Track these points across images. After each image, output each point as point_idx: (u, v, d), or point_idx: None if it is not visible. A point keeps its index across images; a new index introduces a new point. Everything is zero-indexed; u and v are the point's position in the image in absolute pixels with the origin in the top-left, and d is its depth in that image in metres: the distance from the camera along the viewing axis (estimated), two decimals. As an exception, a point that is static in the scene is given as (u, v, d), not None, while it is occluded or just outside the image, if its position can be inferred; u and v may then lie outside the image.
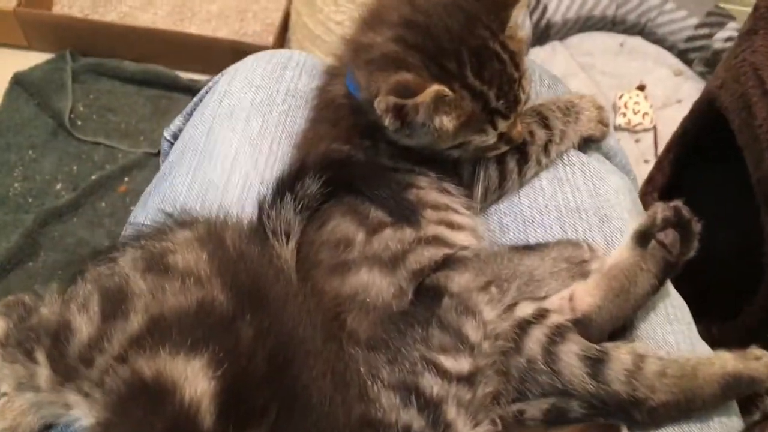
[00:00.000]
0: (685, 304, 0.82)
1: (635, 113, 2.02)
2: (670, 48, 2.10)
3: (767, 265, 1.02)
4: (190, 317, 0.58)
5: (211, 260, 0.63)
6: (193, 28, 2.33)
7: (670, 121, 2.01)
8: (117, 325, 0.59)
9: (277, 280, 0.65)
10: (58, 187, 2.07)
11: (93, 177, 2.06)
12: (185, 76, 2.24)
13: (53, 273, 1.95)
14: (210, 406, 0.54)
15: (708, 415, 0.72)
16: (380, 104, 0.73)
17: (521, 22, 2.03)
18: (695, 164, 1.32)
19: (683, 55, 2.08)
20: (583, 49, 2.14)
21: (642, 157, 2.00)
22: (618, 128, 2.03)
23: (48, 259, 1.94)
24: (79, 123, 2.18)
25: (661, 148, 2.01)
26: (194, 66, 2.25)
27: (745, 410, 0.76)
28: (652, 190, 1.34)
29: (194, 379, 0.54)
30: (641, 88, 2.07)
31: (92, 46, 2.28)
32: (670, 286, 0.81)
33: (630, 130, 2.02)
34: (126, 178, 2.08)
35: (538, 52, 2.14)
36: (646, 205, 1.36)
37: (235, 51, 2.15)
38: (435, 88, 0.72)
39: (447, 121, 0.76)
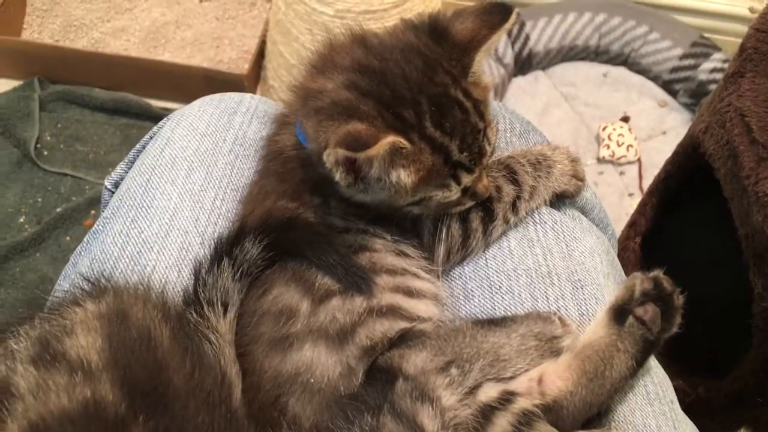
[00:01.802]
0: (668, 378, 0.74)
1: (619, 145, 1.97)
2: (655, 79, 2.06)
3: (757, 326, 0.95)
4: (73, 423, 0.50)
5: (106, 347, 0.56)
6: (167, 55, 2.27)
7: (655, 152, 1.96)
8: None
9: (182, 367, 0.57)
10: (22, 220, 1.99)
11: (58, 210, 1.99)
12: (157, 104, 2.18)
13: (13, 312, 1.86)
14: None
15: None
16: (329, 157, 0.65)
17: (506, 52, 1.98)
18: (680, 207, 1.25)
19: (668, 86, 2.04)
20: (566, 79, 2.09)
21: (626, 191, 1.94)
22: (602, 160, 1.97)
23: (8, 297, 1.85)
24: (46, 153, 2.11)
25: (645, 181, 1.95)
26: (167, 94, 2.19)
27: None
28: (635, 235, 1.27)
29: None
30: (625, 119, 2.02)
31: (62, 74, 2.22)
32: (652, 363, 0.74)
33: (614, 162, 1.97)
34: (92, 211, 2.01)
35: (520, 82, 2.09)
36: (627, 252, 1.30)
37: (209, 79, 2.09)
38: (390, 139, 0.65)
39: (405, 176, 0.68)
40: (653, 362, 0.74)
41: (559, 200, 0.83)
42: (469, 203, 0.75)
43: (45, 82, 2.22)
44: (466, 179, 0.72)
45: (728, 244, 1.03)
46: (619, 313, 0.66)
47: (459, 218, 0.76)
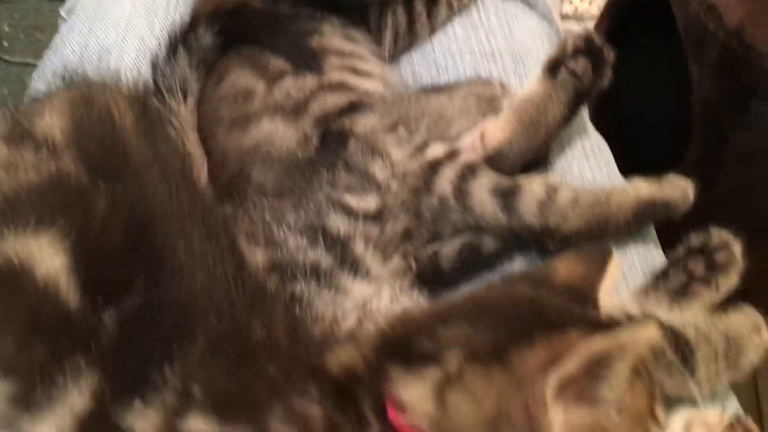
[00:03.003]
0: (604, 142, 0.80)
1: (582, 0, 1.97)
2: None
3: (696, 116, 1.01)
4: (39, 194, 0.54)
5: (70, 126, 0.59)
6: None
7: (617, 6, 1.97)
8: None
9: (142, 145, 0.61)
10: (-10, 112, 1.98)
11: (25, 99, 1.98)
12: (114, -10, 2.13)
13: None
14: (69, 283, 0.50)
15: (624, 243, 0.71)
16: None
17: None
18: (632, 30, 1.29)
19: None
20: (529, -64, 2.07)
21: (589, 45, 1.97)
22: (565, 17, 1.98)
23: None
24: (6, 44, 2.08)
25: (609, 37, 1.98)
26: (123, -21, 2.13)
27: (668, 245, 0.75)
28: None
29: (44, 256, 0.50)
30: (587, -27, 2.01)
31: (12, -37, 2.15)
32: (588, 124, 0.80)
33: (577, 18, 1.98)
34: (60, 100, 2.00)
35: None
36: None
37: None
38: None
39: None
40: (590, 128, 0.80)
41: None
42: (413, -14, 0.79)
43: (-4, -27, 2.16)
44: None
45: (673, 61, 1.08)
46: (553, 67, 0.70)
47: (403, 5, 0.79)
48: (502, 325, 0.46)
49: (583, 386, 0.42)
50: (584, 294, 0.50)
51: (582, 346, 0.40)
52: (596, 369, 0.41)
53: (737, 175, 1.02)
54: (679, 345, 0.61)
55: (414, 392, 0.45)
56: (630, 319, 0.61)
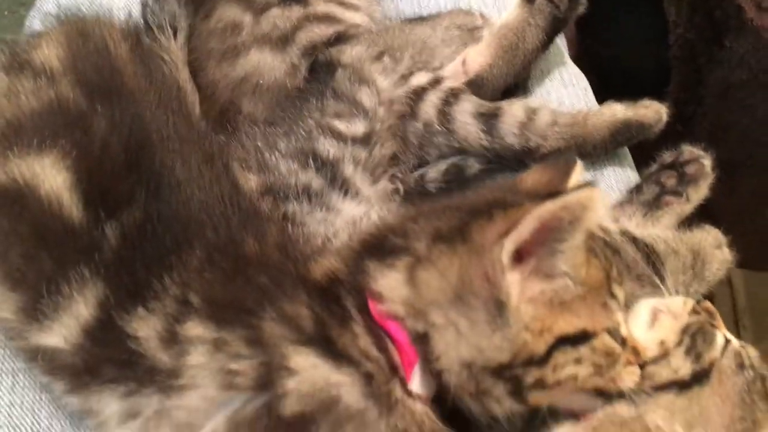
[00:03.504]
0: (582, 74, 0.83)
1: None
2: None
3: (674, 57, 1.04)
4: (40, 118, 0.57)
5: (67, 55, 0.62)
6: None
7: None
8: None
9: (137, 73, 0.64)
10: (-23, 89, 1.98)
11: (21, 39, 1.98)
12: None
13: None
14: (72, 198, 0.53)
15: (601, 164, 0.75)
16: None
17: None
18: None
19: None
20: None
21: None
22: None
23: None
24: (-10, 20, 2.07)
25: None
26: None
27: (643, 164, 0.78)
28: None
29: (47, 175, 0.53)
30: None
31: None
32: (566, 57, 0.83)
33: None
34: (47, 73, 2.00)
35: None
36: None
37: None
38: None
39: None
40: (568, 59, 0.83)
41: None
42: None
43: (-24, -53, 2.14)
44: None
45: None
46: (530, -6, 0.73)
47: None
48: (465, 212, 0.49)
49: (540, 261, 0.45)
50: (548, 197, 0.52)
51: (533, 212, 0.43)
52: (550, 239, 0.45)
53: (715, 113, 1.05)
54: (650, 257, 0.65)
55: (389, 281, 0.49)
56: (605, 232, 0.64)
